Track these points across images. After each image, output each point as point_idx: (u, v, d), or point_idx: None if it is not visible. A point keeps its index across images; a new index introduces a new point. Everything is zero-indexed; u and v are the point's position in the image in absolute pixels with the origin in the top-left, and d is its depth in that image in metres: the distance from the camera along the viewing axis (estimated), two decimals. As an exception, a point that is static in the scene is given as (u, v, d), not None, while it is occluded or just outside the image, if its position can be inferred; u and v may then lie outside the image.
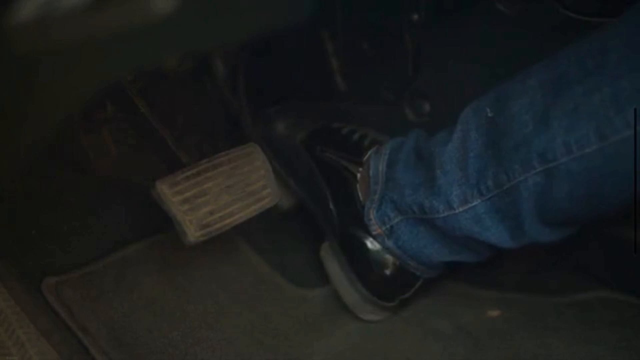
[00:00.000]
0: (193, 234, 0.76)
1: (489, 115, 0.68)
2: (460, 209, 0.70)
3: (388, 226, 0.77)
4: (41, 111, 0.39)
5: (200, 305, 0.81)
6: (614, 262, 0.79)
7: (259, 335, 0.79)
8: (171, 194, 0.75)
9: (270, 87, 0.95)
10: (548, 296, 0.80)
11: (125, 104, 0.87)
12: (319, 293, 0.87)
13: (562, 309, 0.78)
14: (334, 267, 0.83)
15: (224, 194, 0.79)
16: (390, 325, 0.81)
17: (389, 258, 0.78)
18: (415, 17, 0.84)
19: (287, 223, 0.94)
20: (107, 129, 0.89)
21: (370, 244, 0.79)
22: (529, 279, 0.82)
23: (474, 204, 0.69)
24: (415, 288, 0.81)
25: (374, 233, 0.78)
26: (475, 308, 0.80)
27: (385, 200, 0.77)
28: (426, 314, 0.81)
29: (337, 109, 0.95)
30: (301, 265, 0.82)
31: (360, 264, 0.80)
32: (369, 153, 0.80)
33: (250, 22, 0.41)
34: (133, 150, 0.90)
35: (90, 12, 0.35)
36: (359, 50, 0.90)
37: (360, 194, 0.80)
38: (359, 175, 0.80)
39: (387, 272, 0.79)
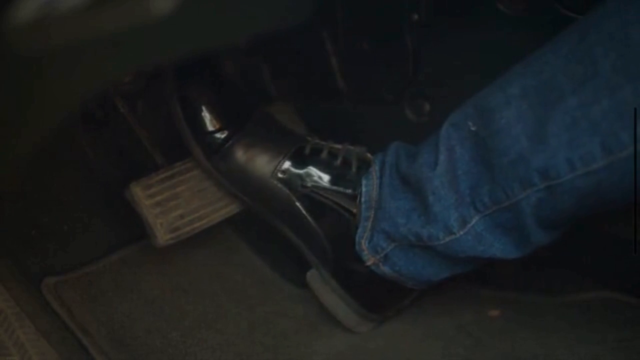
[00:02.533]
0: (162, 236, 0.77)
1: (472, 129, 0.65)
2: (461, 232, 0.67)
3: (382, 255, 0.74)
4: (41, 111, 0.39)
5: (199, 305, 0.81)
6: (614, 262, 0.79)
7: (258, 336, 0.79)
8: (144, 196, 0.77)
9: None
10: (548, 296, 0.80)
11: (109, 104, 0.87)
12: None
13: (562, 309, 0.78)
14: (327, 293, 0.79)
15: (195, 198, 0.80)
16: (390, 325, 0.81)
17: (385, 280, 0.76)
18: (415, 17, 0.84)
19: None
20: (107, 128, 0.89)
21: (367, 272, 0.76)
22: (529, 279, 0.82)
23: (472, 222, 0.66)
24: (412, 298, 0.80)
25: (367, 263, 0.75)
26: (475, 308, 0.80)
27: (377, 231, 0.74)
28: (426, 314, 0.81)
29: (337, 109, 0.95)
30: (301, 265, 0.82)
31: (356, 287, 0.78)
32: (362, 182, 0.75)
33: (250, 22, 0.41)
34: (117, 150, 0.89)
35: (90, 12, 0.35)
36: (359, 50, 0.90)
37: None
38: (355, 210, 0.75)
39: (383, 290, 0.77)
